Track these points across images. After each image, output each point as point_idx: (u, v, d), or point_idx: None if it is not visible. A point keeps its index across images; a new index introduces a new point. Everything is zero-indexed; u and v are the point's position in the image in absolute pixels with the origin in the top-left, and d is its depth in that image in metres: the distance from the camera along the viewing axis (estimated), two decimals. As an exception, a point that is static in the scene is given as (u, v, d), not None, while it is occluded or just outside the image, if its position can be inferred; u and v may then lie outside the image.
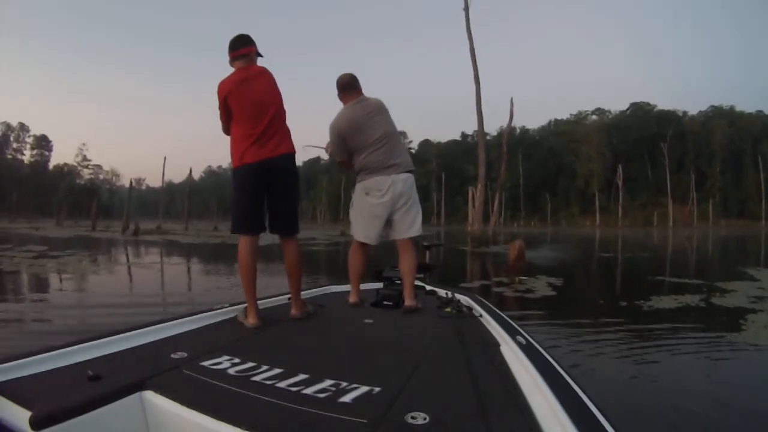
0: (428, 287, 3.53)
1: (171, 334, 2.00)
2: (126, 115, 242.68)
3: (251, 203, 2.49)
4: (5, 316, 5.12)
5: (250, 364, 1.61)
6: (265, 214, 2.56)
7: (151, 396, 1.35)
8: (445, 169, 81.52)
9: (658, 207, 72.23)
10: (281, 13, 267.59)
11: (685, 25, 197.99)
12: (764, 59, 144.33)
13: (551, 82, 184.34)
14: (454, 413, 1.25)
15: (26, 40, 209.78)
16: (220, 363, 1.61)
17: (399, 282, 3.13)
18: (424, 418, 1.19)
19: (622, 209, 73.21)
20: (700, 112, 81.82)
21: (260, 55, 2.65)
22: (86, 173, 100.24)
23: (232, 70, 2.58)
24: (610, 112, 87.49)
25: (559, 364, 1.74)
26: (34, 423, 1.14)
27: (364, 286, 3.19)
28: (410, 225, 2.99)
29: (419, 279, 3.55)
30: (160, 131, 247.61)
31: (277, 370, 1.55)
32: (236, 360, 1.65)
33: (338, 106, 3.08)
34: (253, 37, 2.63)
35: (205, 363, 1.61)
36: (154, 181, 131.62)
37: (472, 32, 19.26)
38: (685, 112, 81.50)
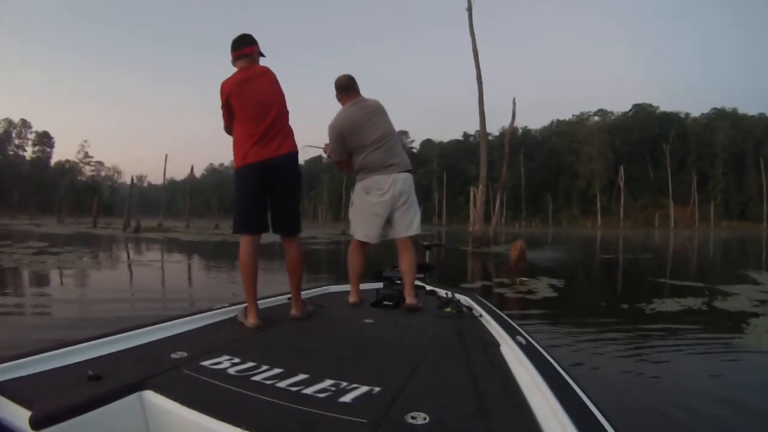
0: (428, 287, 3.53)
1: (171, 334, 2.00)
2: (128, 112, 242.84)
3: (253, 203, 2.49)
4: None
5: (250, 364, 1.61)
6: (267, 213, 2.56)
7: (151, 396, 1.35)
8: (446, 169, 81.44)
9: (659, 208, 72.16)
10: (282, 12, 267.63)
11: (688, 27, 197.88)
12: (767, 62, 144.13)
13: (553, 82, 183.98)
14: (454, 413, 1.26)
15: (28, 38, 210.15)
16: (220, 363, 1.61)
17: (399, 282, 3.15)
18: (424, 418, 1.19)
19: (624, 210, 73.14)
20: (703, 114, 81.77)
21: (262, 55, 2.64)
22: (88, 170, 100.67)
23: (233, 69, 2.58)
24: (612, 113, 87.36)
25: (559, 364, 1.74)
26: (34, 423, 1.13)
27: (364, 286, 3.20)
28: (409, 224, 3.02)
29: (419, 279, 3.55)
30: (162, 129, 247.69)
31: (277, 370, 1.54)
32: (236, 360, 1.65)
33: (337, 106, 3.11)
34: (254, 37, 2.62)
35: (205, 363, 1.60)
36: (156, 179, 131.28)
37: (475, 32, 19.25)
38: (687, 114, 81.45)
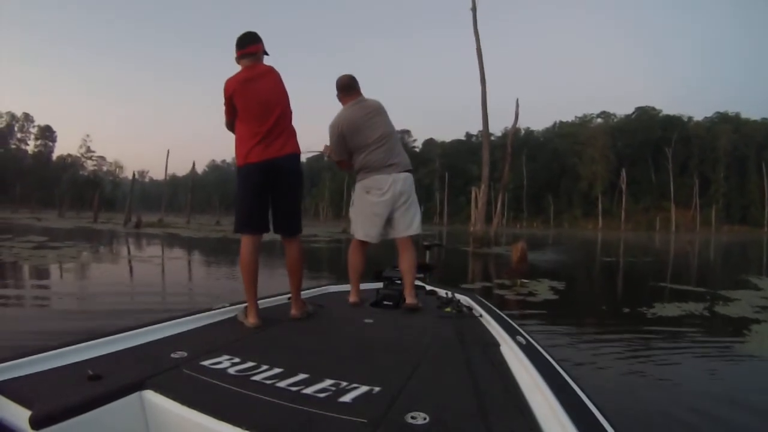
0: (428, 287, 3.54)
1: (171, 334, 2.00)
2: (131, 107, 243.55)
3: (255, 203, 2.48)
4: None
5: (250, 364, 1.60)
6: (269, 213, 2.55)
7: (151, 395, 1.35)
8: (448, 169, 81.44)
9: (661, 211, 72.08)
10: (283, 11, 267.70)
11: (692, 30, 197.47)
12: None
13: (556, 83, 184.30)
14: (454, 413, 1.26)
15: (30, 32, 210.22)
16: (220, 363, 1.61)
17: (399, 282, 3.17)
18: (424, 418, 1.19)
19: (625, 213, 73.17)
20: (706, 117, 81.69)
21: (266, 54, 2.63)
22: (90, 165, 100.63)
23: (237, 65, 2.57)
24: (615, 115, 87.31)
25: (559, 364, 1.74)
26: (34, 422, 1.13)
27: (364, 286, 3.20)
28: (410, 223, 3.03)
29: (419, 279, 3.56)
30: (164, 124, 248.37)
31: (277, 370, 1.55)
32: (236, 360, 1.65)
33: (337, 106, 3.12)
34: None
35: (205, 362, 1.60)
36: (158, 174, 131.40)
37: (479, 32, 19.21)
38: (690, 118, 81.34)
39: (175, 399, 1.30)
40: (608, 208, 76.30)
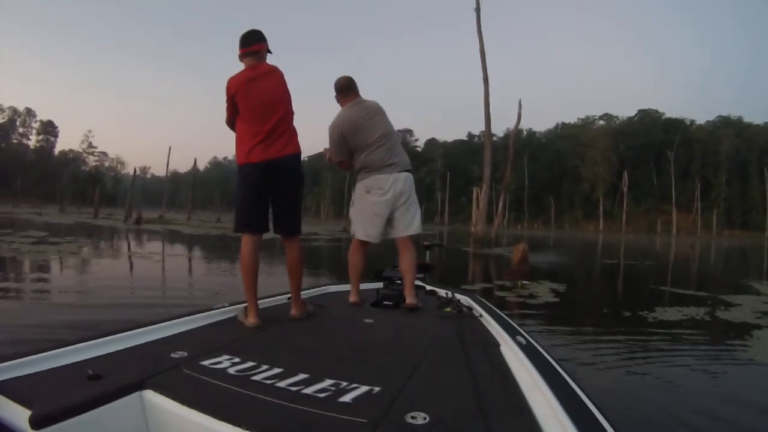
0: (428, 287, 3.55)
1: (171, 334, 1.99)
2: (133, 104, 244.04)
3: (255, 202, 2.47)
4: None
5: (250, 364, 1.61)
6: (269, 213, 2.55)
7: (151, 395, 1.35)
8: (450, 169, 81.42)
9: (662, 214, 72.06)
10: (285, 11, 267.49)
11: (695, 34, 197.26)
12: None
13: (558, 85, 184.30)
14: (454, 413, 1.26)
15: (33, 26, 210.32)
16: (220, 362, 1.61)
17: (399, 282, 3.18)
18: (424, 418, 1.19)
19: (626, 215, 73.16)
20: (708, 121, 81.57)
21: (269, 52, 2.61)
22: (91, 160, 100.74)
23: (239, 63, 2.56)
24: (617, 117, 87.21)
25: (559, 364, 1.75)
26: (34, 422, 1.13)
27: (363, 286, 3.21)
28: (410, 223, 3.05)
29: (419, 279, 3.58)
30: (167, 121, 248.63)
31: (277, 370, 1.55)
32: (236, 359, 1.65)
33: (338, 107, 3.13)
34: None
35: (205, 362, 1.60)
36: (160, 171, 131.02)
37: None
38: (692, 121, 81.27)
39: (175, 399, 1.30)
40: (609, 210, 76.33)
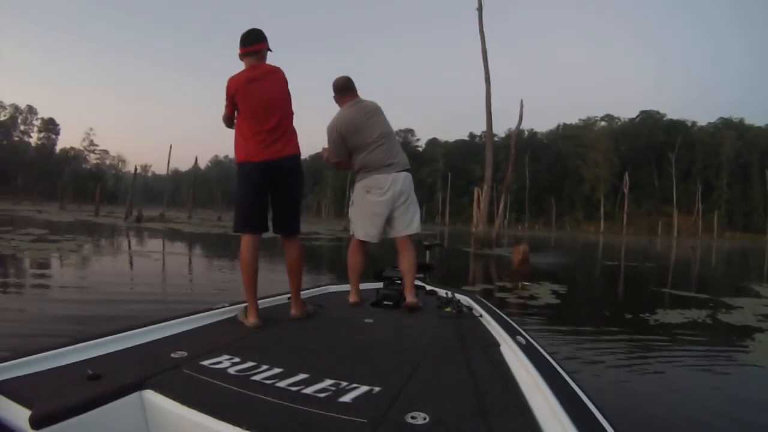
0: (428, 287, 3.56)
1: (171, 334, 1.99)
2: (135, 102, 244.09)
3: (255, 202, 2.47)
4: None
5: (250, 364, 1.61)
6: (268, 213, 2.54)
7: (151, 395, 1.35)
8: (451, 169, 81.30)
9: (663, 216, 72.00)
10: (285, 10, 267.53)
11: (697, 36, 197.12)
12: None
13: (560, 85, 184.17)
14: (454, 413, 1.26)
15: (35, 23, 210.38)
16: (220, 362, 1.61)
17: (399, 282, 3.19)
18: (424, 418, 1.19)
19: (627, 216, 73.09)
20: (710, 123, 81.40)
21: (270, 50, 2.60)
22: (93, 158, 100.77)
23: (240, 62, 2.55)
24: (619, 118, 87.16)
25: (559, 364, 1.75)
26: (33, 422, 1.13)
27: (364, 286, 3.22)
28: (409, 222, 3.06)
29: (419, 279, 3.58)
30: (168, 119, 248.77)
31: (277, 370, 1.55)
32: (236, 359, 1.65)
33: (336, 106, 3.13)
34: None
35: (205, 362, 1.60)
36: (161, 169, 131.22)
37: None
38: (694, 123, 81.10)
39: (175, 399, 1.30)
40: (610, 211, 76.25)
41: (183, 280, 7.56)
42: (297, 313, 2.51)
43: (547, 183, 79.71)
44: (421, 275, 3.81)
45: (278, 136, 2.46)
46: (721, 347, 4.61)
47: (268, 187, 2.46)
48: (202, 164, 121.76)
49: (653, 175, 77.64)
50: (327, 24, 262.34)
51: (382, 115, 3.07)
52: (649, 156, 76.89)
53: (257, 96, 2.43)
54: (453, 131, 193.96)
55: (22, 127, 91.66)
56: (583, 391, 1.45)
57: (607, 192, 76.62)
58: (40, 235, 13.54)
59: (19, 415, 1.18)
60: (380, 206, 3.00)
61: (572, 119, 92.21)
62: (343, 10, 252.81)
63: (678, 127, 78.54)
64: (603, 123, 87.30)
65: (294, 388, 1.39)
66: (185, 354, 1.67)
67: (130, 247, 13.29)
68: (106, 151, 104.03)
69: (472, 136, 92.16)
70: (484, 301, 3.04)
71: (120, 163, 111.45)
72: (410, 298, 2.87)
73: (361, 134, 2.97)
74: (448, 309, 2.71)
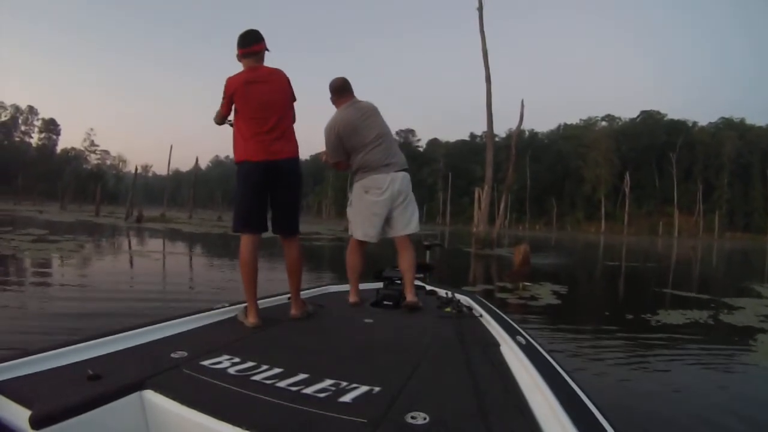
0: (428, 287, 3.56)
1: (171, 334, 1.99)
2: (135, 102, 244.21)
3: (254, 202, 2.46)
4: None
5: (250, 364, 1.61)
6: (267, 213, 2.54)
7: (151, 395, 1.35)
8: (451, 169, 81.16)
9: (664, 216, 71.94)
10: (285, 11, 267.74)
11: (698, 36, 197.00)
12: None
13: (561, 85, 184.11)
14: (454, 413, 1.26)
15: (36, 24, 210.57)
16: (220, 362, 1.61)
17: (399, 282, 3.19)
18: (424, 418, 1.19)
19: (628, 217, 73.04)
20: (711, 123, 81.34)
21: (267, 50, 2.59)
22: (93, 158, 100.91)
23: (238, 62, 2.54)
24: (619, 118, 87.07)
25: (558, 364, 1.75)
26: (33, 422, 1.13)
27: (363, 286, 3.22)
28: (408, 222, 3.06)
29: (419, 279, 3.58)
30: (168, 120, 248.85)
31: (277, 370, 1.55)
32: (236, 359, 1.65)
33: (330, 108, 3.13)
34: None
35: (205, 362, 1.60)
36: (161, 169, 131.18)
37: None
38: (695, 123, 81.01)
39: (175, 399, 1.30)
40: (611, 211, 76.18)
41: (183, 279, 7.56)
42: (297, 313, 2.50)
43: (548, 183, 79.66)
44: (421, 275, 3.81)
45: (277, 137, 2.45)
46: (723, 347, 4.60)
47: (267, 186, 2.46)
48: (203, 164, 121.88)
49: (654, 175, 77.60)
50: (327, 24, 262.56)
51: (379, 116, 3.08)
52: (650, 156, 76.83)
53: (256, 97, 2.43)
54: (453, 131, 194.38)
55: (23, 128, 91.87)
56: (583, 391, 1.45)
57: (607, 192, 76.56)
58: (41, 236, 13.54)
59: (19, 415, 1.18)
60: (379, 206, 3.00)
61: (573, 119, 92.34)
62: (343, 10, 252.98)
63: (679, 127, 78.48)
64: (604, 123, 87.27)
65: (294, 388, 1.39)
66: (185, 354, 1.67)
67: (130, 247, 13.29)
68: (106, 152, 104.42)
69: (472, 136, 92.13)
70: (484, 301, 3.05)
71: (120, 164, 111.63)
72: (410, 296, 2.87)
73: (358, 135, 2.97)
74: (448, 309, 2.71)
